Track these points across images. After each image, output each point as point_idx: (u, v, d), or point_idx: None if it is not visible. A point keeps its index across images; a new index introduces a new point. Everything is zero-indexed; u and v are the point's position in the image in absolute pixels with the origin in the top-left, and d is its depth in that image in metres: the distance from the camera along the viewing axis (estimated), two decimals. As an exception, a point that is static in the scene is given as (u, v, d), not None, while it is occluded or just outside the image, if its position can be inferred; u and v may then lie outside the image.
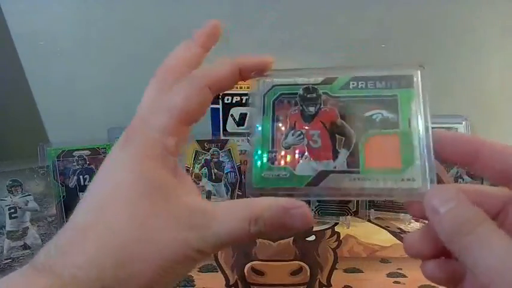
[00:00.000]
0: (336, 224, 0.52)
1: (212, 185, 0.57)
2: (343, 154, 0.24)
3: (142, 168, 0.22)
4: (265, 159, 0.26)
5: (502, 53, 0.56)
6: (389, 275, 0.43)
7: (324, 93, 0.26)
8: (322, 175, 0.24)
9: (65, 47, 0.53)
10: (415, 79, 0.25)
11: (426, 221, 0.21)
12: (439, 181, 0.23)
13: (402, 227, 0.51)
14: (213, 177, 0.57)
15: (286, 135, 0.26)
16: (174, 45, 0.26)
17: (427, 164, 0.23)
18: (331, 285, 0.42)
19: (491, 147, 0.21)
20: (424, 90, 0.24)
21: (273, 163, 0.25)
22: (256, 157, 0.26)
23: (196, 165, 0.57)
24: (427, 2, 0.53)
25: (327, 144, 0.25)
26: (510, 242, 0.18)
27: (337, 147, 0.25)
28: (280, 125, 0.26)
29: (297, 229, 0.22)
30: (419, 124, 0.24)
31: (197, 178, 0.57)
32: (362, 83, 0.26)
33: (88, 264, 0.19)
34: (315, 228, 0.51)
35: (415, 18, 0.54)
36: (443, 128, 0.57)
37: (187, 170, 0.57)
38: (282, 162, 0.25)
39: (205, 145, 0.57)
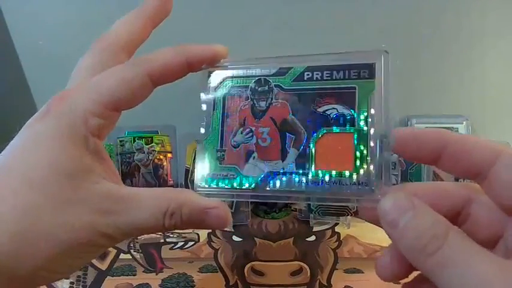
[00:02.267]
0: (336, 224, 0.52)
1: (212, 185, 0.57)
2: (293, 154, 0.23)
3: (55, 149, 0.21)
4: (213, 158, 0.24)
5: (503, 52, 0.56)
6: (390, 275, 0.43)
7: (276, 85, 0.24)
8: (269, 177, 0.23)
9: (67, 51, 0.53)
10: (377, 68, 0.22)
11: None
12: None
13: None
14: (213, 177, 0.57)
15: (235, 133, 0.24)
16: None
17: (383, 166, 0.21)
18: (331, 286, 0.42)
19: (456, 142, 0.20)
20: (386, 82, 0.21)
21: (220, 162, 0.24)
22: (204, 155, 0.24)
23: (196, 165, 0.57)
24: (427, 2, 0.53)
25: (276, 143, 0.23)
26: (481, 253, 0.17)
27: (286, 147, 0.23)
28: (230, 121, 0.24)
29: (212, 228, 0.22)
30: (378, 121, 0.21)
31: (197, 178, 0.57)
32: (318, 74, 0.23)
33: None
34: (315, 229, 0.51)
35: (415, 18, 0.54)
36: (443, 128, 0.57)
37: (187, 170, 0.57)
38: (230, 162, 0.24)
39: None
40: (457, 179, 0.51)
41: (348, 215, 0.50)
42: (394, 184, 0.22)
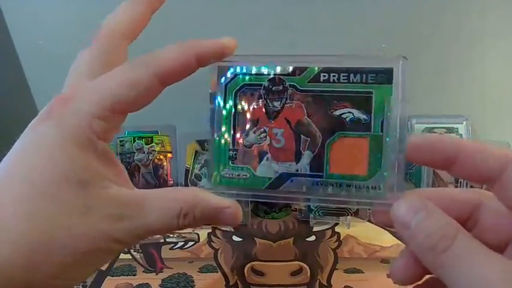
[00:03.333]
0: (336, 224, 0.52)
1: (212, 185, 0.57)
2: (307, 156, 0.23)
3: (62, 155, 0.20)
4: (225, 158, 0.24)
5: (503, 52, 0.56)
6: (390, 275, 0.43)
7: (291, 85, 0.23)
8: (283, 178, 0.23)
9: (67, 51, 0.53)
10: (394, 74, 0.22)
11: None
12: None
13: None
14: (213, 177, 0.57)
15: (248, 133, 0.24)
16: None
17: (396, 171, 0.21)
18: (331, 286, 0.42)
19: (469, 148, 0.20)
20: (403, 87, 0.21)
21: (233, 162, 0.24)
22: (215, 155, 0.24)
23: (196, 165, 0.57)
24: (427, 2, 0.53)
25: (290, 145, 0.23)
26: (488, 254, 0.17)
27: (301, 149, 0.23)
28: (242, 120, 0.24)
29: (225, 225, 0.21)
30: (393, 127, 0.21)
31: (197, 178, 0.57)
32: (334, 76, 0.22)
33: None
34: (315, 229, 0.51)
35: (415, 18, 0.54)
36: (443, 128, 0.57)
37: (187, 170, 0.57)
38: (243, 162, 0.24)
39: (206, 145, 0.57)
40: (456, 181, 0.51)
41: (348, 215, 0.50)
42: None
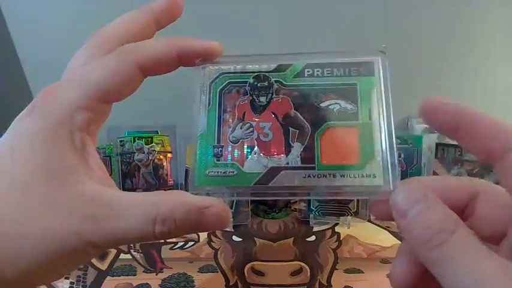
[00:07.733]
0: (336, 224, 0.52)
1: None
2: (297, 149, 0.22)
3: (40, 148, 0.19)
4: (209, 155, 0.23)
5: (504, 53, 0.56)
6: (390, 275, 0.43)
7: (276, 81, 0.23)
8: (273, 172, 0.22)
9: (67, 51, 0.53)
10: (376, 66, 0.22)
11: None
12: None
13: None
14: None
15: (234, 128, 0.23)
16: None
17: (389, 159, 0.21)
18: (331, 286, 0.41)
19: (473, 119, 0.19)
20: (385, 78, 0.22)
21: (218, 159, 0.23)
22: (199, 153, 0.23)
23: (196, 165, 0.57)
24: (428, 3, 0.53)
25: (279, 138, 0.23)
26: (484, 253, 0.16)
27: (290, 141, 0.22)
28: (227, 116, 0.24)
29: (211, 229, 0.20)
30: (381, 115, 0.22)
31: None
32: (318, 71, 0.23)
33: None
34: (315, 229, 0.51)
35: (415, 18, 0.54)
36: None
37: (187, 170, 0.57)
38: (229, 158, 0.23)
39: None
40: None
41: (348, 215, 0.50)
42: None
